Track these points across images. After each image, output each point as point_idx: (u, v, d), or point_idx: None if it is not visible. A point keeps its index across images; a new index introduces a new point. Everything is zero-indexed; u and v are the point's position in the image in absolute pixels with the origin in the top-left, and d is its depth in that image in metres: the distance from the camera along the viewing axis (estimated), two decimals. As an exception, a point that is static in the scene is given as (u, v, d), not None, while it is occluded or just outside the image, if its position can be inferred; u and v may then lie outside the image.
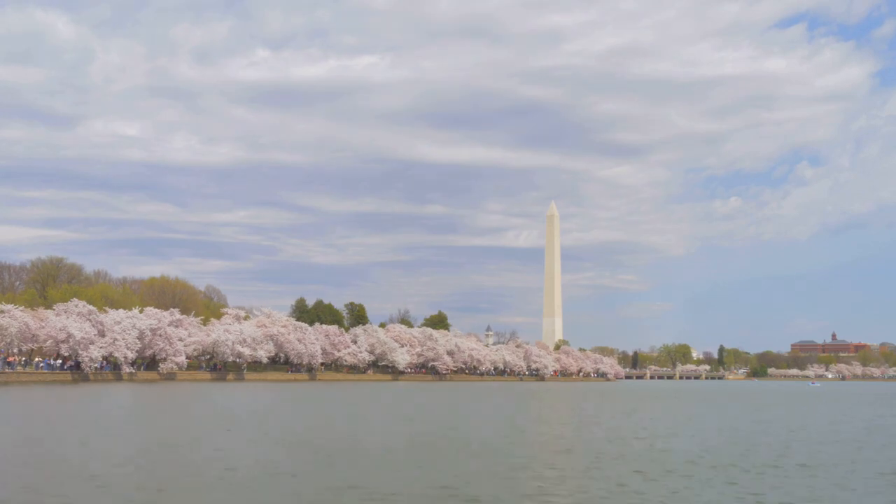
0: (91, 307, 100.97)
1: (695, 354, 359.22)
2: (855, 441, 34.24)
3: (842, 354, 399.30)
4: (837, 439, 34.99)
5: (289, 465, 23.46)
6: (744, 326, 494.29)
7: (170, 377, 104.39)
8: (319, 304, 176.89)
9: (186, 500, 17.97)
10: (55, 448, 26.63)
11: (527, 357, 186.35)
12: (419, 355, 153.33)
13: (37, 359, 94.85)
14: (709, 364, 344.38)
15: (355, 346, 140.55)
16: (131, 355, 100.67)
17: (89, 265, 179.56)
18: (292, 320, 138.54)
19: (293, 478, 20.99)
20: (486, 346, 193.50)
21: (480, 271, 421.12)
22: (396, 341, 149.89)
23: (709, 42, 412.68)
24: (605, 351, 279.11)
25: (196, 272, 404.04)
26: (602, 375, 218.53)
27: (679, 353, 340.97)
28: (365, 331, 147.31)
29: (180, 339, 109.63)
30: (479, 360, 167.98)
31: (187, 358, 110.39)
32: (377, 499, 18.09)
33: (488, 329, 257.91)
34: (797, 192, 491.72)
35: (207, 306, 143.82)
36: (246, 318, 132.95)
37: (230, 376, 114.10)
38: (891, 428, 43.47)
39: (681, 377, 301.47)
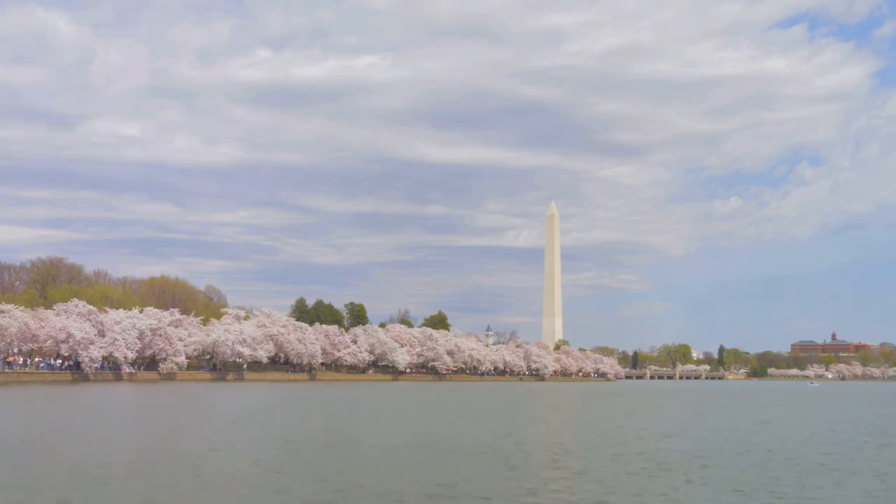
0: (91, 307, 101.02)
1: (695, 354, 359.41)
2: (852, 441, 34.25)
3: (842, 354, 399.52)
4: (837, 440, 35.01)
5: (289, 464, 23.50)
6: (744, 326, 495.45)
7: (170, 377, 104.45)
8: (319, 304, 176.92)
9: (186, 500, 17.99)
10: (54, 448, 26.66)
11: (527, 357, 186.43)
12: (419, 355, 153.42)
13: (37, 359, 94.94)
14: (709, 364, 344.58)
15: (355, 346, 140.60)
16: (131, 355, 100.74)
17: (90, 265, 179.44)
18: (292, 320, 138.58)
19: (293, 477, 21.02)
20: (486, 346, 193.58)
21: (480, 271, 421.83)
22: (396, 341, 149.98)
23: (709, 42, 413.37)
24: (605, 351, 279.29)
25: (196, 272, 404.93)
26: (602, 375, 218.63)
27: (679, 353, 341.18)
28: (365, 331, 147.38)
29: (180, 339, 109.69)
30: (479, 361, 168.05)
31: (187, 358, 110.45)
32: (377, 498, 18.12)
33: (488, 329, 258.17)
34: (797, 192, 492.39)
35: (207, 306, 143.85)
36: (246, 318, 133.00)
37: (230, 376, 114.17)
38: (890, 428, 43.48)
39: (681, 377, 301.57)
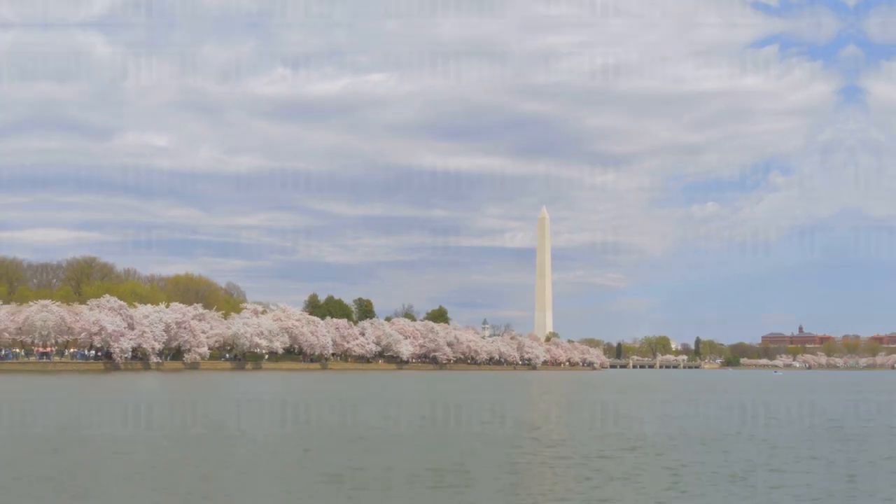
0: (122, 302, 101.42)
1: (673, 346, 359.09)
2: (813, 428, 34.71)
3: (808, 346, 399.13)
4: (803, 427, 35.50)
5: (301, 444, 23.97)
6: (719, 320, 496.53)
7: (193, 367, 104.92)
8: (330, 299, 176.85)
9: (205, 475, 18.48)
10: (86, 433, 27.16)
11: (520, 348, 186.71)
12: (422, 346, 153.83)
13: (72, 349, 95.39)
14: (686, 354, 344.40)
15: (363, 338, 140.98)
16: (158, 346, 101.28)
17: (121, 264, 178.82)
18: (305, 314, 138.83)
19: (302, 456, 21.49)
20: (483, 338, 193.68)
21: (479, 270, 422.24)
22: (401, 333, 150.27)
23: (691, 61, 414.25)
24: (591, 342, 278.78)
25: (219, 270, 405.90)
26: (589, 365, 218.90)
27: (659, 345, 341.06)
28: (372, 324, 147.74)
29: (203, 332, 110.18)
30: (476, 351, 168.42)
31: (209, 349, 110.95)
32: (378, 477, 18.62)
33: (485, 322, 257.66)
34: (769, 198, 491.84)
35: (228, 302, 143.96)
36: (263, 312, 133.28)
37: (249, 366, 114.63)
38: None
39: (660, 367, 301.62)
